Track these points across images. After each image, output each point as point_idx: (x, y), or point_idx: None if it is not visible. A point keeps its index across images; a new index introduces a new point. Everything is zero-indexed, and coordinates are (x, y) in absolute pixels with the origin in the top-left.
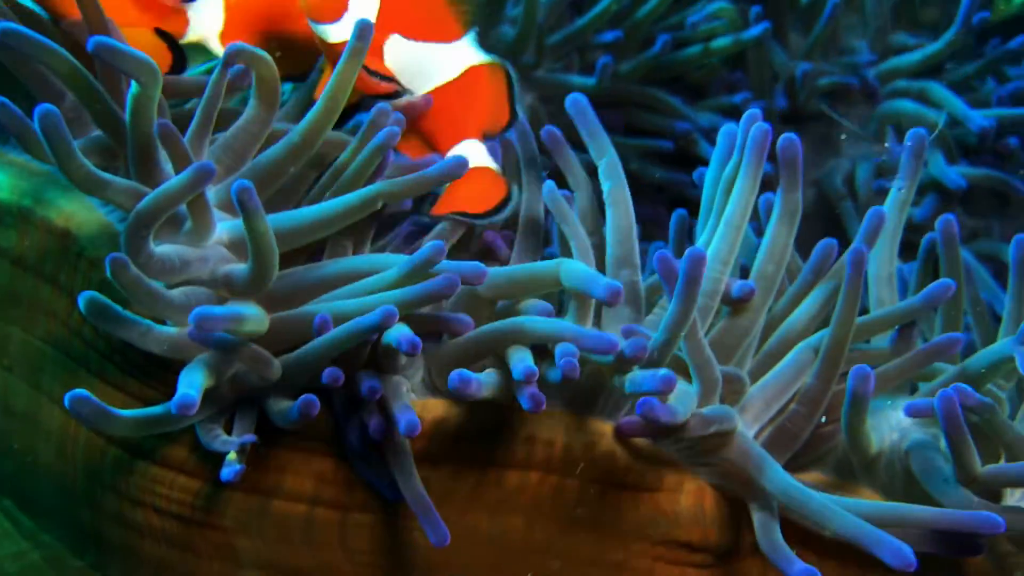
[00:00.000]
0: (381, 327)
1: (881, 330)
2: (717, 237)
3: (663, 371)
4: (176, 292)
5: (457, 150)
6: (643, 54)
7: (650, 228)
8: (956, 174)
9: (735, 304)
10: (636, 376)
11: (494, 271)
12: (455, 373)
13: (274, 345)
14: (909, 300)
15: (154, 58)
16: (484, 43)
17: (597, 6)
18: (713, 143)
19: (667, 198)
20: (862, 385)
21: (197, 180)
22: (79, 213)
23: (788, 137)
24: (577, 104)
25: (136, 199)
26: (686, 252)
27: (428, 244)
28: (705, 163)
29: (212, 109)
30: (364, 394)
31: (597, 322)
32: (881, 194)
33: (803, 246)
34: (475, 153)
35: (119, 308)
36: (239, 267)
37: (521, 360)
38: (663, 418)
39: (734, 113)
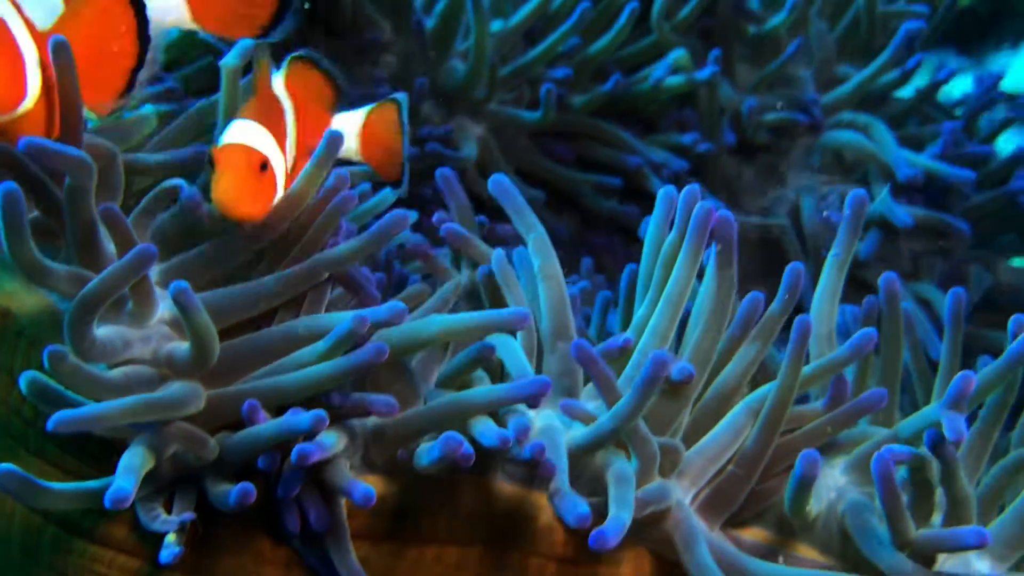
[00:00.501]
0: (312, 432)
1: (812, 384)
2: (657, 314)
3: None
4: (116, 373)
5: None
6: (595, 89)
7: (604, 257)
8: (904, 212)
9: (673, 385)
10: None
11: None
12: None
13: (212, 422)
14: (836, 352)
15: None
16: None
17: (547, 39)
18: (662, 179)
19: (618, 227)
20: (810, 469)
21: (138, 265)
22: (20, 292)
23: (724, 215)
24: (499, 184)
25: (79, 284)
26: (651, 355)
27: (353, 316)
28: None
29: (164, 195)
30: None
31: None
32: (827, 226)
33: (749, 278)
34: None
35: (60, 389)
36: (181, 347)
37: (489, 428)
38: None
39: (684, 152)
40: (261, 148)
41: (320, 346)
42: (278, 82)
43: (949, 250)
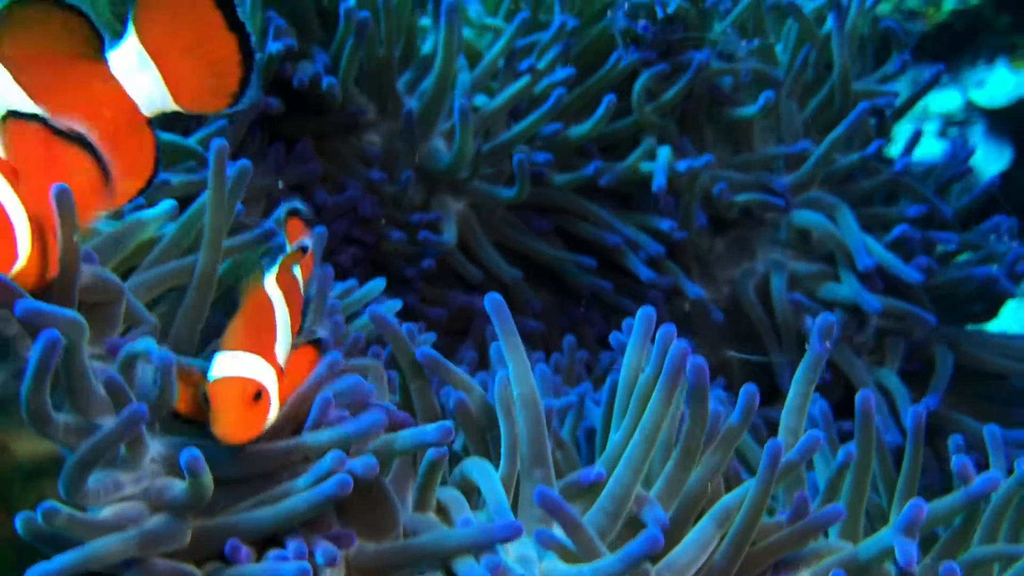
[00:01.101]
0: None
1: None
2: (632, 446)
3: None
4: (108, 512)
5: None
6: (577, 171)
7: (583, 328)
8: (872, 298)
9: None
10: None
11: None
12: None
13: (196, 555)
14: (786, 456)
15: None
16: None
17: (527, 119)
18: (639, 257)
19: (596, 299)
20: None
21: (131, 428)
22: (21, 431)
23: (697, 363)
24: (494, 303)
25: (76, 436)
26: (643, 534)
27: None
28: (633, 277)
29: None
30: None
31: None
32: (796, 307)
33: (720, 339)
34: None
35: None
36: (173, 487)
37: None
38: None
39: (661, 237)
40: (254, 375)
41: (301, 482)
42: (269, 282)
43: (913, 330)
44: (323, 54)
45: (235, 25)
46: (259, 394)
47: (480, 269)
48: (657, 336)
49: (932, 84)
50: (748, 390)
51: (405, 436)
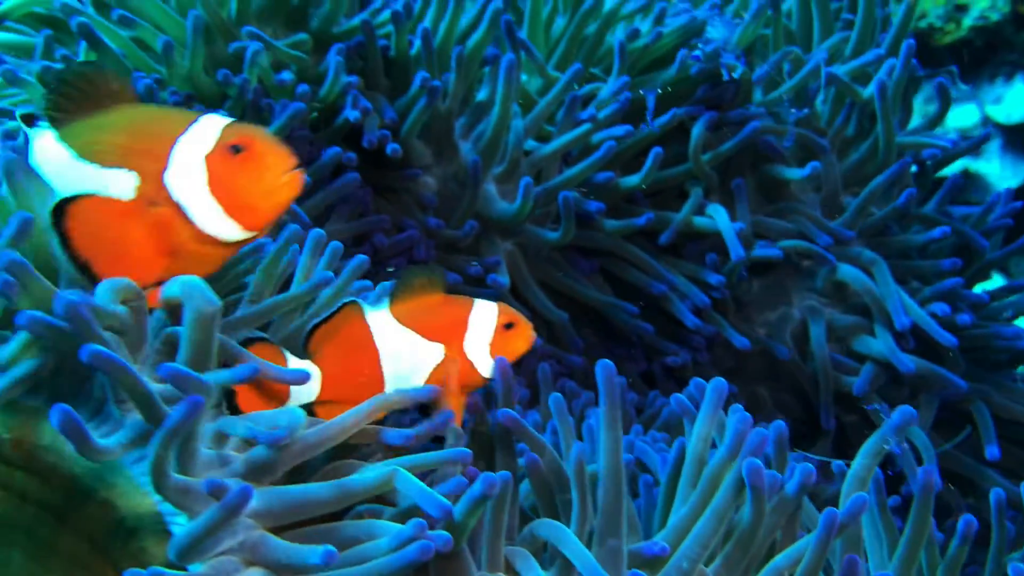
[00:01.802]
0: None
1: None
2: (702, 523)
3: None
4: (204, 568)
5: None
6: (629, 221)
7: (625, 365)
8: (907, 359)
9: None
10: None
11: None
12: None
13: None
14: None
15: None
16: None
17: (579, 165)
18: (684, 303)
19: (639, 339)
20: None
21: (237, 508)
22: (126, 489)
23: (773, 476)
24: (606, 370)
25: (187, 497)
26: None
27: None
28: (679, 323)
29: None
30: None
31: None
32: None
33: (753, 378)
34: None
35: None
36: (269, 542)
37: None
38: None
39: (707, 286)
40: None
41: (383, 543)
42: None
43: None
44: (389, 108)
45: None
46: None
47: (527, 308)
48: (734, 422)
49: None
50: (805, 469)
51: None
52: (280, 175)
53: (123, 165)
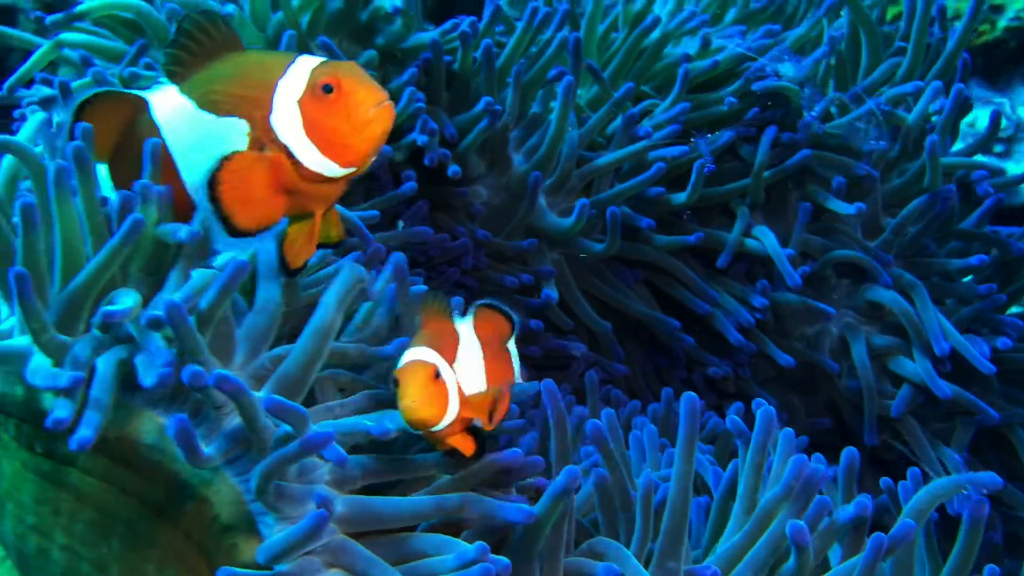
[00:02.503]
0: None
1: None
2: (756, 551)
3: None
4: (288, 567)
5: None
6: (680, 238)
7: (666, 374)
8: (945, 385)
9: None
10: None
11: None
12: None
13: None
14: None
15: None
16: None
17: (632, 181)
18: (728, 320)
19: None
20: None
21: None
22: (219, 487)
23: (796, 528)
24: (690, 403)
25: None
26: None
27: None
28: (724, 340)
29: None
30: None
31: None
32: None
33: (791, 387)
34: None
35: None
36: (348, 546)
37: None
38: None
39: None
40: (433, 361)
41: (450, 561)
42: (467, 326)
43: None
44: (450, 124)
45: None
46: (437, 374)
47: (572, 317)
48: (793, 462)
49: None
50: (861, 505)
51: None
52: (368, 111)
53: (235, 113)
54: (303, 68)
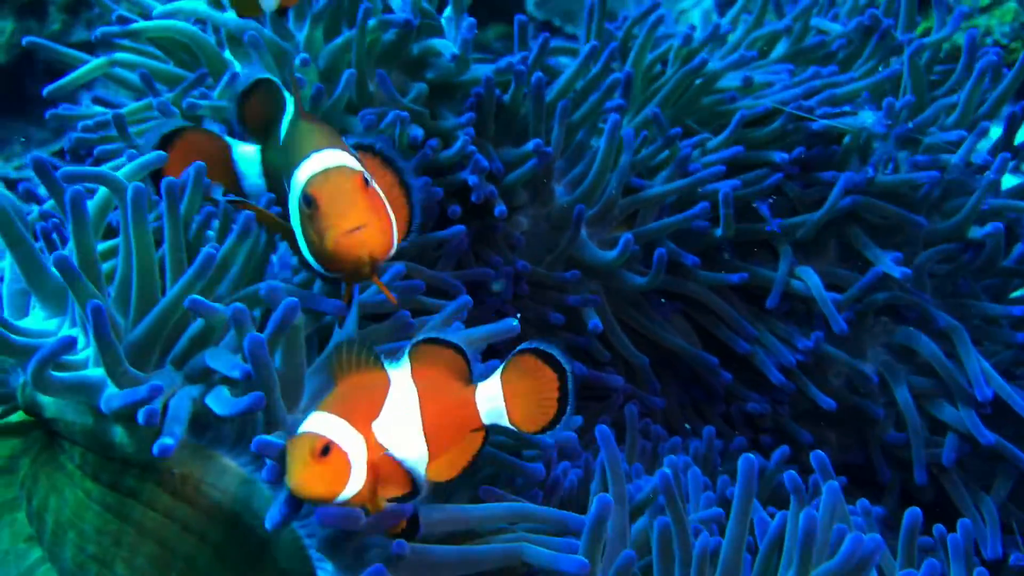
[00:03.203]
0: None
1: None
2: None
3: None
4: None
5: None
6: (722, 276)
7: (703, 407)
8: (990, 434)
9: None
10: None
11: None
12: None
13: None
14: None
15: None
16: None
17: (679, 216)
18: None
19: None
20: None
21: None
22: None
23: None
24: (748, 463)
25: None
26: None
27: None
28: (764, 378)
29: None
30: None
31: None
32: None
33: (820, 430)
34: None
35: None
36: None
37: None
38: None
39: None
40: (327, 433)
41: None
42: (403, 373)
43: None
44: (497, 159)
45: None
46: (327, 449)
47: (608, 349)
48: (848, 543)
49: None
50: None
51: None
52: (337, 236)
53: None
54: (305, 170)
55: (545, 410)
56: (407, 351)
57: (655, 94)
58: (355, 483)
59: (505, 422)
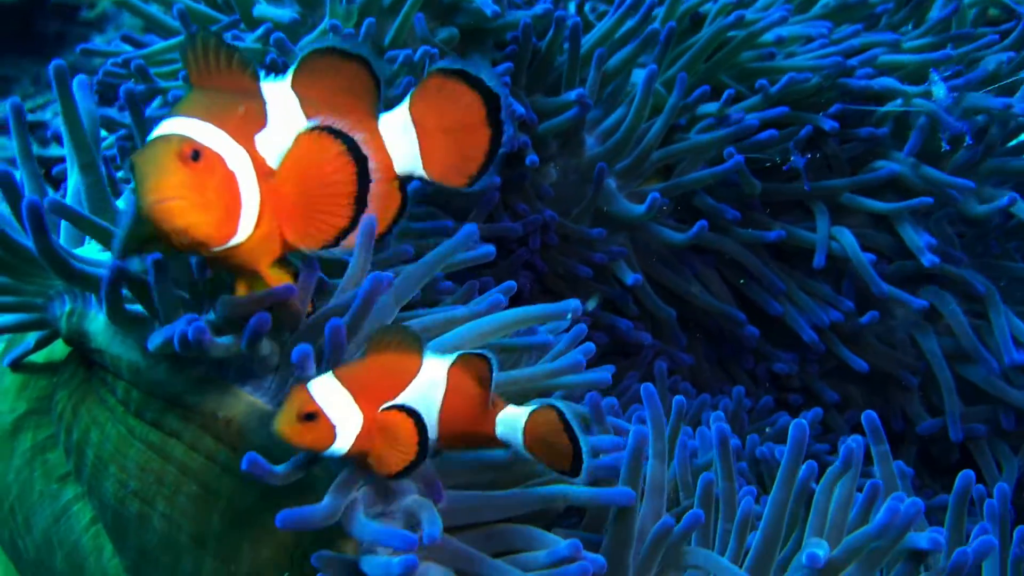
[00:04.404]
0: None
1: None
2: None
3: None
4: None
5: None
6: (760, 233)
7: (731, 366)
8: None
9: None
10: None
11: None
12: None
13: None
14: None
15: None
16: None
17: (714, 169)
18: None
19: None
20: None
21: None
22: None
23: None
24: (799, 430)
25: None
26: None
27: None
28: (789, 333)
29: None
30: None
31: None
32: None
33: (844, 386)
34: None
35: None
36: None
37: None
38: None
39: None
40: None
41: (542, 557)
42: (441, 364)
43: None
44: (530, 108)
45: (494, 122)
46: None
47: (637, 304)
48: (888, 506)
49: None
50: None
51: None
52: (144, 201)
53: None
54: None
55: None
56: (456, 355)
57: (690, 48)
58: (339, 447)
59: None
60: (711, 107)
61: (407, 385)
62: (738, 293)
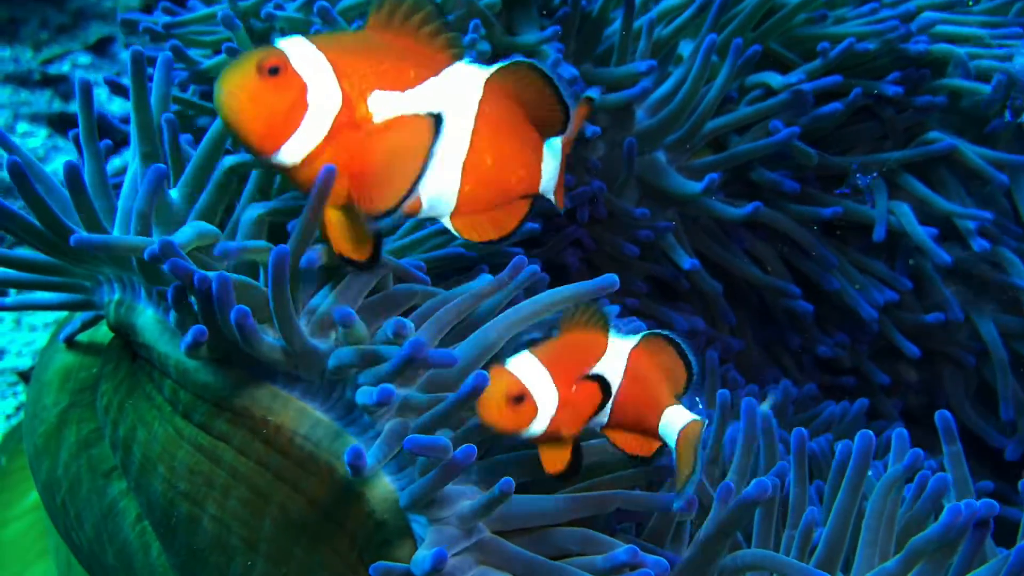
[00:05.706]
0: None
1: None
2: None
3: None
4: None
5: (668, 419)
6: (815, 209)
7: (775, 348)
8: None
9: None
10: None
11: None
12: None
13: None
14: None
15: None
16: None
17: (764, 140)
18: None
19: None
20: None
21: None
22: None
23: None
24: (865, 440)
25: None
26: None
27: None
28: (840, 317)
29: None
30: None
31: None
32: None
33: (896, 367)
34: (681, 414)
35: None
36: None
37: None
38: None
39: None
40: (526, 381)
41: (600, 561)
42: (624, 346)
43: None
44: (581, 81)
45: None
46: (521, 398)
47: (684, 278)
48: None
49: None
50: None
51: None
52: (219, 85)
53: None
54: None
55: None
56: (642, 334)
57: (737, 16)
58: (536, 428)
59: None
60: (760, 77)
61: (596, 363)
62: (796, 275)
